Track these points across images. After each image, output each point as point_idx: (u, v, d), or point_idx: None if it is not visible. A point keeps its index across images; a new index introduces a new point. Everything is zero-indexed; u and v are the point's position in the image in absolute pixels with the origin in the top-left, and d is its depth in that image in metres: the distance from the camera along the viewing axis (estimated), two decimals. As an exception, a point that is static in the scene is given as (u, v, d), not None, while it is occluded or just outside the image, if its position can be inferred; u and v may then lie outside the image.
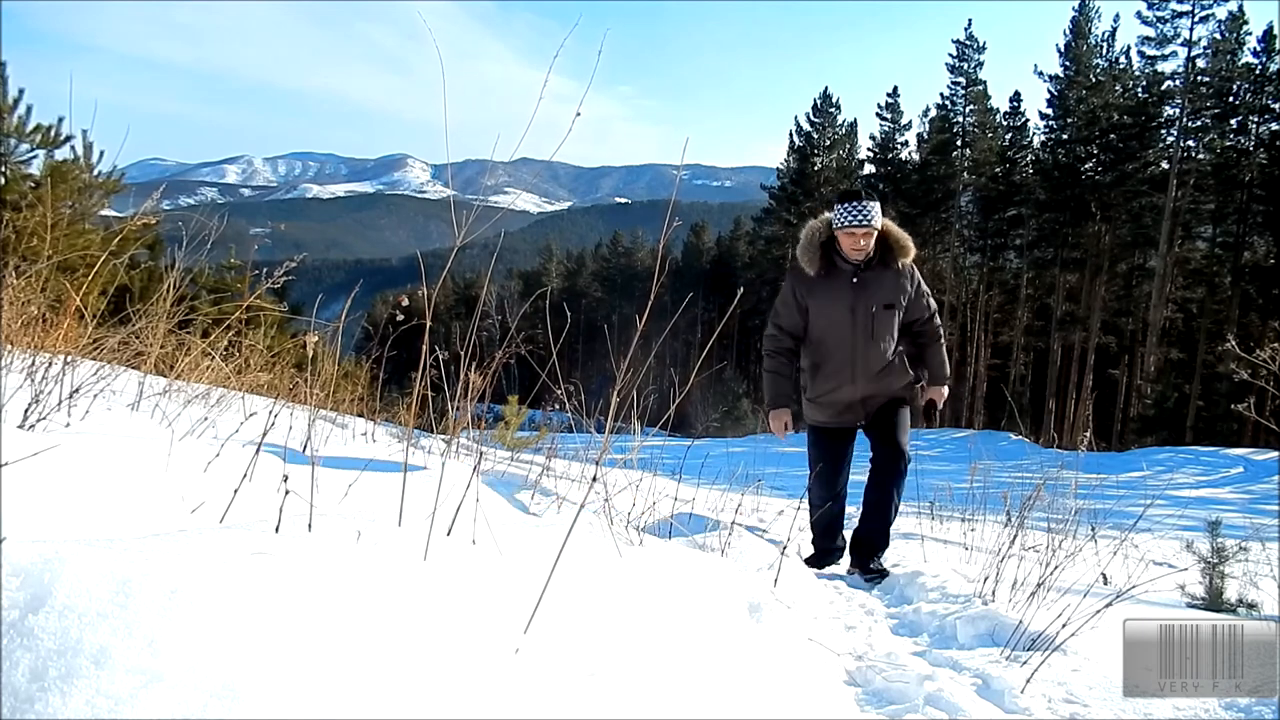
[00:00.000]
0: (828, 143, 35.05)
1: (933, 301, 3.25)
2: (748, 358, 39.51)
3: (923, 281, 3.20)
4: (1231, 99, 24.55)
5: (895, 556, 3.33)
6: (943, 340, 3.28)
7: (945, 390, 3.29)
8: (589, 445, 4.69)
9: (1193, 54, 24.66)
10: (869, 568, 3.07)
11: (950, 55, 30.62)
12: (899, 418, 3.17)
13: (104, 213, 6.44)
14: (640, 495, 2.74)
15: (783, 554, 2.35)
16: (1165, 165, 25.27)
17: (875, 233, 3.01)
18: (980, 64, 30.43)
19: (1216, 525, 3.18)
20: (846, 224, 2.99)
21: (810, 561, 3.25)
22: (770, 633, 1.67)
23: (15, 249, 3.41)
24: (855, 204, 2.99)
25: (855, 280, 3.05)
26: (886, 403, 3.18)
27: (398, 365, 4.71)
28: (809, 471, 3.28)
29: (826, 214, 3.16)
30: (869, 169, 33.48)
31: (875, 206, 3.00)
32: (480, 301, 1.79)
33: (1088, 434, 3.72)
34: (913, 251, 3.11)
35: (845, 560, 3.28)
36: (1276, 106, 24.22)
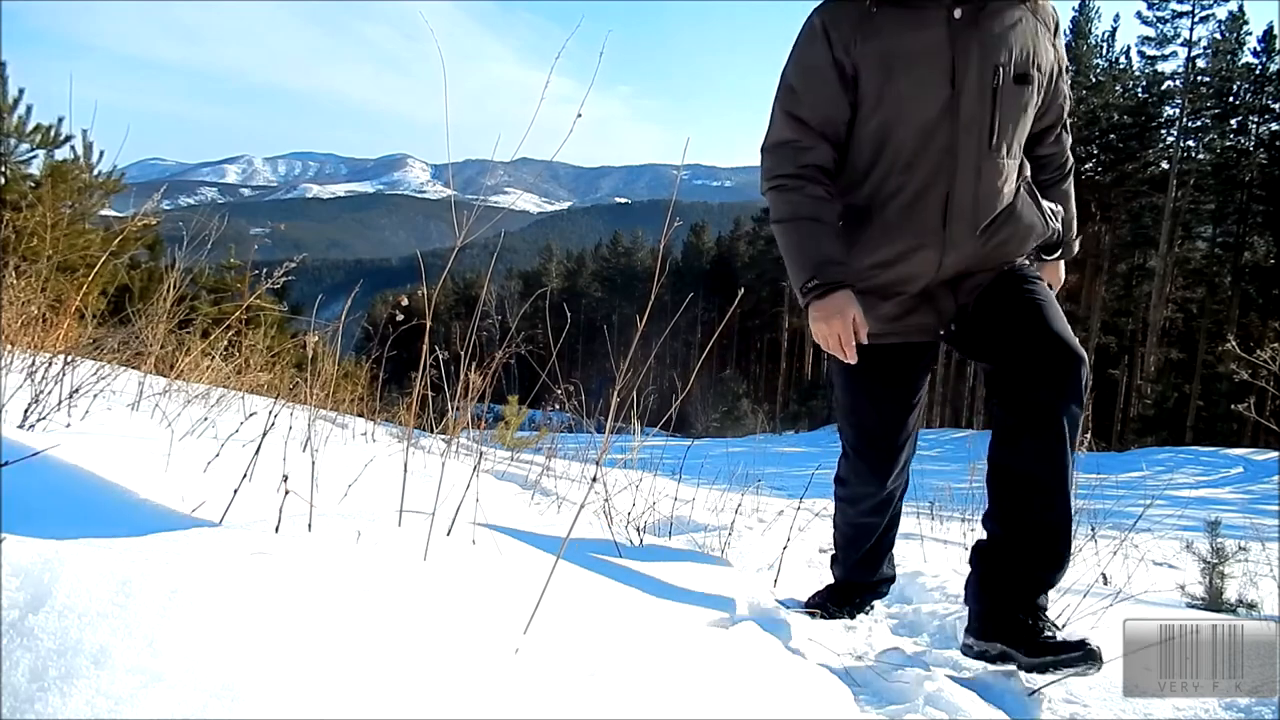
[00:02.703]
0: (828, 143, 35.07)
1: (1070, 91, 1.72)
2: (748, 357, 39.52)
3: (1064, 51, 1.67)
4: (1231, 99, 24.62)
5: (896, 557, 3.05)
6: (1072, 176, 1.79)
7: (1060, 269, 1.83)
8: (589, 445, 4.69)
9: (1193, 54, 24.74)
10: (1035, 635, 1.45)
11: (950, 55, 30.63)
12: (1040, 296, 1.60)
13: (104, 213, 6.45)
14: (640, 495, 2.74)
15: (782, 553, 2.35)
16: (1165, 165, 25.32)
17: None
18: (980, 64, 30.44)
19: (1216, 525, 3.18)
20: None
21: (830, 601, 1.99)
22: (770, 632, 1.67)
23: (15, 249, 3.41)
24: None
25: (957, 16, 1.45)
26: (1003, 278, 1.63)
27: (398, 365, 4.71)
28: (840, 433, 1.85)
29: None
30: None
31: None
32: (480, 301, 1.79)
33: (1087, 435, 3.71)
34: None
35: (881, 606, 2.11)
36: (1276, 106, 24.28)
